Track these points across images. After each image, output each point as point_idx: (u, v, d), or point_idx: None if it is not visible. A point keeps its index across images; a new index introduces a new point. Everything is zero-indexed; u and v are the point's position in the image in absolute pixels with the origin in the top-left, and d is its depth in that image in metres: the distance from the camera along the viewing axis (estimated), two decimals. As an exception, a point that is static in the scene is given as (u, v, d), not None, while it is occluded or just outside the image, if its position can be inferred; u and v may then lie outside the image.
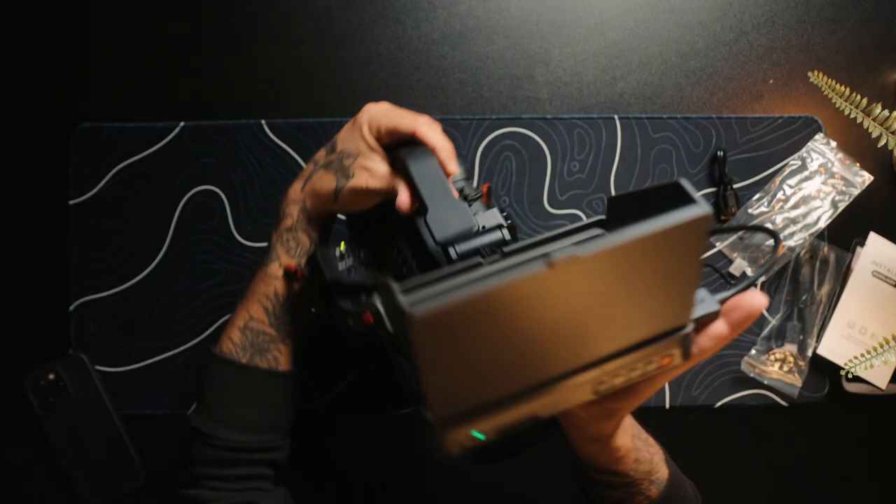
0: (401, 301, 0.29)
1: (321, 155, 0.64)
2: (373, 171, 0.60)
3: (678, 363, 0.39)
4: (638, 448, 0.55)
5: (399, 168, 0.59)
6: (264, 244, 0.92)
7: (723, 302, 0.42)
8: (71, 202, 0.92)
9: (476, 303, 0.29)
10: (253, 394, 0.63)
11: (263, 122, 0.93)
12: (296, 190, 0.65)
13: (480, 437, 0.36)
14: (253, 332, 0.63)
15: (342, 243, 0.62)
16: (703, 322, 0.41)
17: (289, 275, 0.63)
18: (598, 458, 0.53)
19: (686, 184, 0.34)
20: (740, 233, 0.91)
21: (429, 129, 0.58)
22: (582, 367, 0.36)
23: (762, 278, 0.92)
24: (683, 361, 0.39)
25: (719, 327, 0.41)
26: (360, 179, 0.60)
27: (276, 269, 0.64)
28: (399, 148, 0.59)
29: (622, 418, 0.49)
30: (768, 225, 0.91)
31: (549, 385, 0.36)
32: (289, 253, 0.64)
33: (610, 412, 0.47)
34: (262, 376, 0.63)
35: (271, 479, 0.65)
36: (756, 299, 0.40)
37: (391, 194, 0.58)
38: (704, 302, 0.41)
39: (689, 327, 0.38)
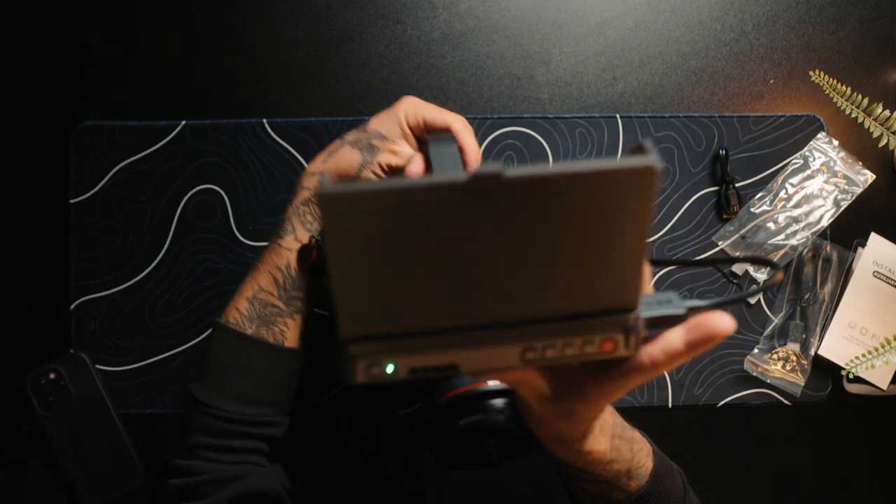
0: (322, 182, 0.29)
1: (350, 133, 0.64)
2: (399, 153, 0.60)
3: (622, 353, 0.35)
4: (617, 449, 0.51)
5: (422, 151, 0.60)
6: (265, 243, 0.92)
7: (691, 310, 0.38)
8: (71, 201, 0.92)
9: (390, 197, 0.29)
10: (256, 366, 0.61)
11: (265, 121, 0.93)
12: (317, 163, 0.65)
13: (390, 371, 0.34)
14: (261, 303, 0.61)
15: None
16: (665, 325, 0.37)
17: (304, 249, 0.61)
18: (565, 458, 0.49)
19: (648, 143, 0.32)
20: (742, 231, 0.91)
21: (462, 128, 0.60)
22: (506, 322, 0.34)
23: (757, 297, 0.91)
24: (627, 352, 0.35)
25: (674, 341, 0.36)
26: (385, 157, 0.60)
27: (290, 242, 0.62)
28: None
29: (584, 423, 0.44)
30: (770, 224, 0.91)
31: (470, 332, 0.33)
32: (304, 226, 0.63)
33: (565, 412, 0.42)
34: (266, 349, 0.61)
35: (267, 455, 0.64)
36: (721, 322, 0.35)
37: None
38: (671, 304, 0.38)
39: (637, 312, 0.34)
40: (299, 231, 0.64)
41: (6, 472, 0.91)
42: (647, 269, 0.38)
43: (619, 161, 0.30)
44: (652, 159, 0.30)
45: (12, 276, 0.93)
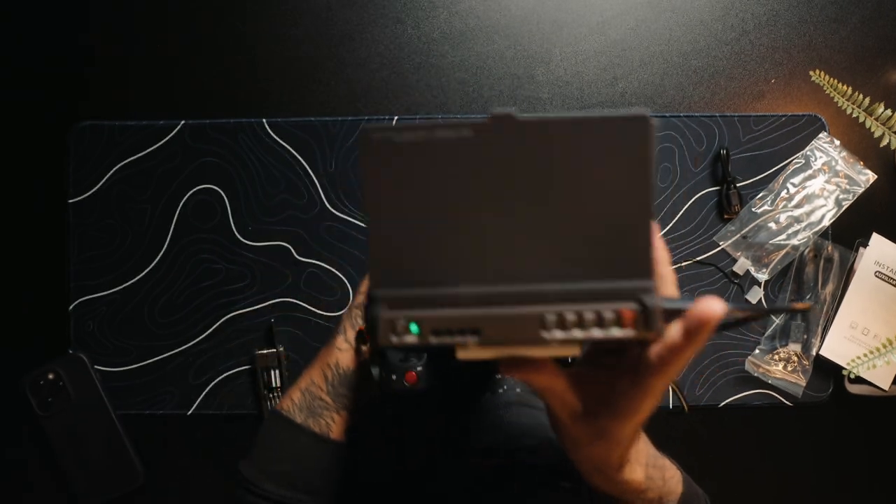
0: (364, 127, 0.33)
1: None
2: None
3: (641, 333, 0.35)
4: (651, 478, 0.50)
5: None
6: (265, 243, 0.92)
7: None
8: (70, 201, 0.92)
9: (421, 131, 0.33)
10: (299, 452, 0.65)
11: (265, 120, 0.92)
12: (365, 280, 0.70)
13: (415, 331, 0.35)
14: (311, 395, 0.66)
15: None
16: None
17: (360, 334, 0.65)
18: (603, 488, 0.49)
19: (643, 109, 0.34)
20: (743, 231, 0.91)
21: None
22: (524, 285, 0.35)
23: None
24: (646, 332, 0.35)
25: (672, 334, 0.36)
26: None
27: (340, 342, 0.67)
28: None
29: (620, 445, 0.44)
30: (771, 224, 0.90)
31: (491, 292, 0.35)
32: (354, 327, 0.67)
33: (598, 431, 0.42)
34: (311, 437, 0.65)
35: None
36: (711, 305, 0.35)
37: None
38: (682, 301, 0.38)
39: (652, 285, 0.35)
40: (349, 332, 0.67)
41: (6, 472, 0.91)
42: (669, 270, 0.39)
43: (616, 111, 0.33)
44: (644, 110, 0.33)
45: (11, 277, 0.92)
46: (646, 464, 0.50)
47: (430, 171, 0.34)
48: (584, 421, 0.42)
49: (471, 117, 0.33)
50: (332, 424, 0.66)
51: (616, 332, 0.35)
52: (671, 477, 0.54)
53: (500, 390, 0.65)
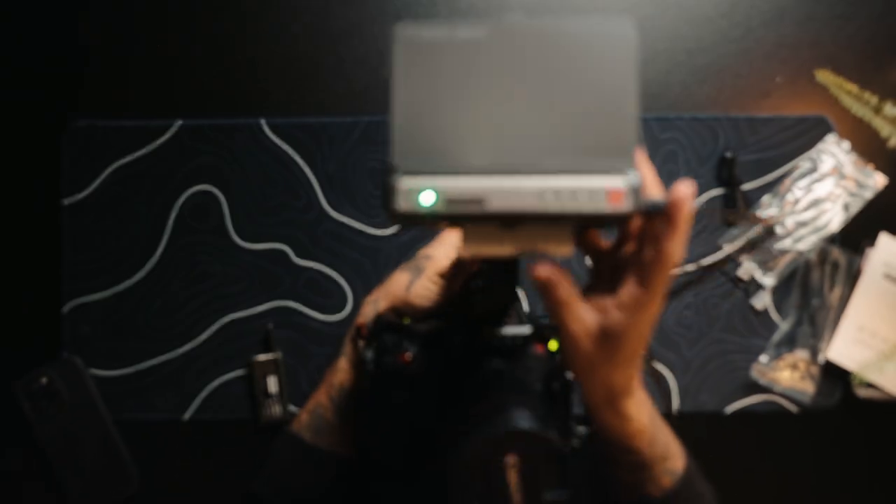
0: (396, 25, 0.39)
1: (403, 264, 0.74)
2: (441, 259, 0.68)
3: (628, 207, 0.39)
4: (656, 427, 0.55)
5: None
6: (263, 245, 0.91)
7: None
8: (65, 201, 0.90)
9: (443, 31, 0.39)
10: (306, 470, 0.68)
11: (263, 120, 0.91)
12: (372, 292, 0.72)
13: (433, 200, 0.39)
14: (319, 416, 0.69)
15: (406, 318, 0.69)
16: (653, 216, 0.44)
17: (357, 331, 0.68)
18: (614, 429, 0.52)
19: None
20: (749, 235, 0.89)
21: None
22: (527, 165, 0.40)
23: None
24: (631, 206, 0.39)
25: (659, 226, 0.42)
26: (431, 270, 0.68)
27: (343, 363, 0.69)
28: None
29: (628, 365, 0.48)
30: (778, 228, 0.89)
31: (497, 168, 0.40)
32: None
33: (611, 349, 0.47)
34: (319, 456, 0.68)
35: None
36: (680, 188, 0.41)
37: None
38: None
39: (636, 164, 0.40)
40: (350, 354, 0.70)
41: (-1, 477, 0.90)
42: (648, 167, 0.46)
43: (606, 19, 0.40)
44: (628, 21, 0.39)
45: (3, 278, 0.91)
46: (649, 412, 0.54)
47: (450, 64, 0.39)
48: (598, 335, 0.46)
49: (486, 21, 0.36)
50: (341, 443, 0.68)
51: (604, 206, 0.39)
52: (671, 441, 0.58)
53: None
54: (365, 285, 0.90)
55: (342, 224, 0.91)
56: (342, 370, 0.70)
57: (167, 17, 0.93)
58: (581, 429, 0.63)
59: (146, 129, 0.91)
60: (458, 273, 0.69)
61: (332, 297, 0.91)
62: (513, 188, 0.39)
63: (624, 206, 0.39)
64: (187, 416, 0.90)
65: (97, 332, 0.90)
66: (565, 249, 0.43)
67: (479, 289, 0.64)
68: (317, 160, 0.91)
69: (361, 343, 0.67)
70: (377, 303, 0.71)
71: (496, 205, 0.40)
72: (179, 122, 0.91)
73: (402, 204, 0.39)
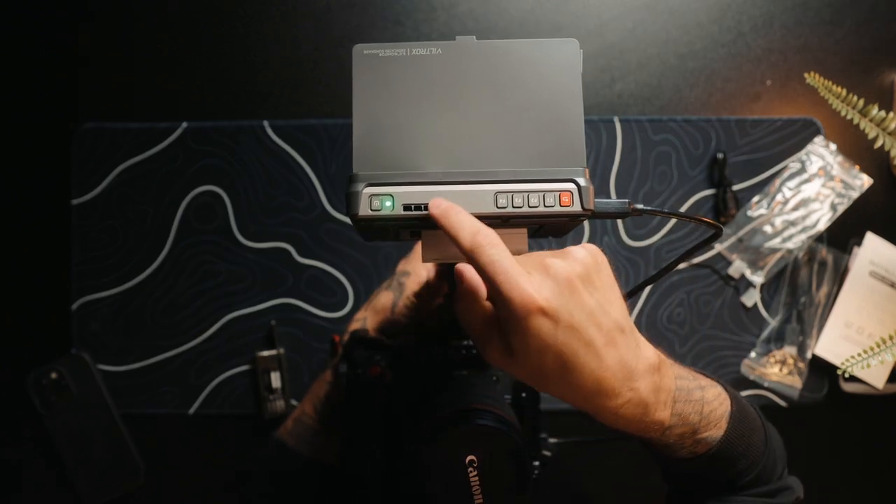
0: (355, 48, 0.42)
1: (384, 282, 0.77)
2: (419, 277, 0.72)
3: (577, 208, 0.42)
4: (680, 414, 0.48)
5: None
6: (266, 244, 0.93)
7: (630, 204, 0.46)
8: (73, 202, 0.92)
9: (401, 50, 0.42)
10: (289, 475, 0.71)
11: (266, 122, 0.93)
12: (360, 312, 0.76)
13: (390, 206, 0.41)
14: (302, 424, 0.72)
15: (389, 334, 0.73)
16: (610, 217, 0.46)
17: (333, 344, 0.74)
18: (609, 424, 0.47)
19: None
20: (739, 234, 0.92)
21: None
22: (483, 173, 0.42)
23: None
24: (581, 208, 0.42)
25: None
26: (410, 288, 0.72)
27: (327, 375, 0.72)
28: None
29: (531, 369, 0.42)
30: (767, 228, 0.91)
31: (454, 177, 0.42)
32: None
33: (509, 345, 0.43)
34: (299, 461, 0.71)
35: None
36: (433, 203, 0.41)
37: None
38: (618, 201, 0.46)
39: (585, 168, 0.43)
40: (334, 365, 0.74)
41: (7, 470, 0.91)
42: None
43: (553, 40, 0.43)
44: (573, 41, 0.43)
45: (14, 277, 0.93)
46: (674, 401, 0.48)
47: (407, 79, 0.42)
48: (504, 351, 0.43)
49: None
50: (319, 448, 0.71)
51: (556, 207, 0.42)
52: (711, 411, 0.50)
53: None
54: (365, 283, 0.92)
55: (343, 223, 0.93)
56: (326, 382, 0.72)
57: (172, 22, 0.95)
58: (552, 440, 0.64)
59: (152, 132, 0.93)
60: (430, 293, 0.71)
61: (334, 294, 0.93)
62: (468, 193, 0.42)
63: (574, 206, 0.42)
64: (192, 410, 0.92)
65: (105, 329, 0.92)
66: (522, 248, 0.45)
67: (444, 302, 0.67)
68: (318, 161, 0.93)
69: (336, 357, 0.70)
70: (365, 321, 0.74)
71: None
72: (184, 125, 0.93)
73: (362, 210, 0.41)
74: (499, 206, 0.42)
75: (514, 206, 0.42)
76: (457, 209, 0.41)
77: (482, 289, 0.41)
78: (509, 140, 0.43)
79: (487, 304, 0.42)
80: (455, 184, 0.42)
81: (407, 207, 0.41)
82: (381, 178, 0.42)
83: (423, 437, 0.49)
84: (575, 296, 0.40)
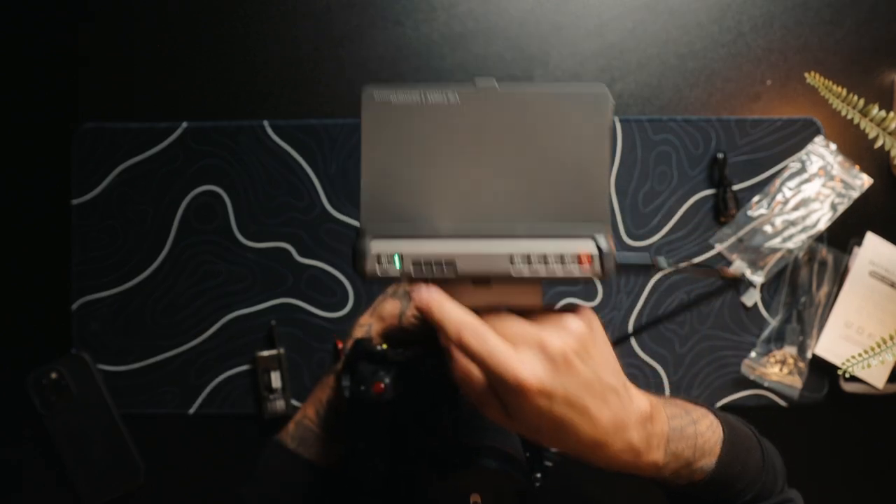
0: (365, 89, 0.39)
1: (390, 287, 0.75)
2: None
3: (596, 271, 0.39)
4: (674, 452, 0.49)
5: None
6: (266, 244, 0.93)
7: (654, 259, 0.45)
8: (74, 202, 0.92)
9: (414, 95, 0.39)
10: (289, 477, 0.70)
11: (266, 122, 0.93)
12: (364, 316, 0.74)
13: (398, 263, 0.39)
14: (304, 427, 0.71)
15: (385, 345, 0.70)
16: (638, 273, 0.44)
17: (336, 350, 0.71)
18: (601, 465, 0.48)
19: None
20: (739, 234, 0.92)
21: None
22: (495, 228, 0.40)
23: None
24: (599, 272, 0.39)
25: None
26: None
27: (330, 380, 0.71)
28: None
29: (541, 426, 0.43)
30: (767, 228, 0.91)
31: (467, 232, 0.40)
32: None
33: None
34: (300, 464, 0.70)
35: None
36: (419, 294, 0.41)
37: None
38: (643, 256, 0.45)
39: (607, 230, 0.40)
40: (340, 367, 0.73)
41: (7, 470, 0.91)
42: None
43: (580, 85, 0.40)
44: (602, 86, 0.40)
45: (14, 277, 0.93)
46: (667, 441, 0.49)
47: (421, 128, 0.39)
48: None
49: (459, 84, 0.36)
50: (320, 453, 0.70)
51: (575, 271, 0.40)
52: (704, 442, 0.52)
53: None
54: (365, 284, 0.92)
55: (343, 223, 0.93)
56: (329, 386, 0.71)
57: (172, 22, 0.95)
58: (549, 463, 0.63)
59: (152, 132, 0.93)
60: None
61: (334, 294, 0.93)
62: (482, 252, 0.39)
63: (595, 269, 0.40)
64: (192, 410, 0.92)
65: (105, 329, 0.92)
66: (535, 302, 0.42)
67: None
68: (318, 161, 0.93)
69: (338, 367, 0.68)
70: (370, 328, 0.73)
71: (466, 268, 0.40)
72: (184, 125, 0.93)
73: (370, 268, 0.39)
74: (515, 269, 0.40)
75: (530, 270, 0.40)
76: (439, 301, 0.41)
77: (476, 368, 0.41)
78: (527, 193, 0.40)
79: (483, 376, 0.41)
80: (468, 238, 0.40)
81: (416, 266, 0.40)
82: (389, 230, 0.40)
83: (430, 477, 0.50)
84: (570, 370, 0.41)
